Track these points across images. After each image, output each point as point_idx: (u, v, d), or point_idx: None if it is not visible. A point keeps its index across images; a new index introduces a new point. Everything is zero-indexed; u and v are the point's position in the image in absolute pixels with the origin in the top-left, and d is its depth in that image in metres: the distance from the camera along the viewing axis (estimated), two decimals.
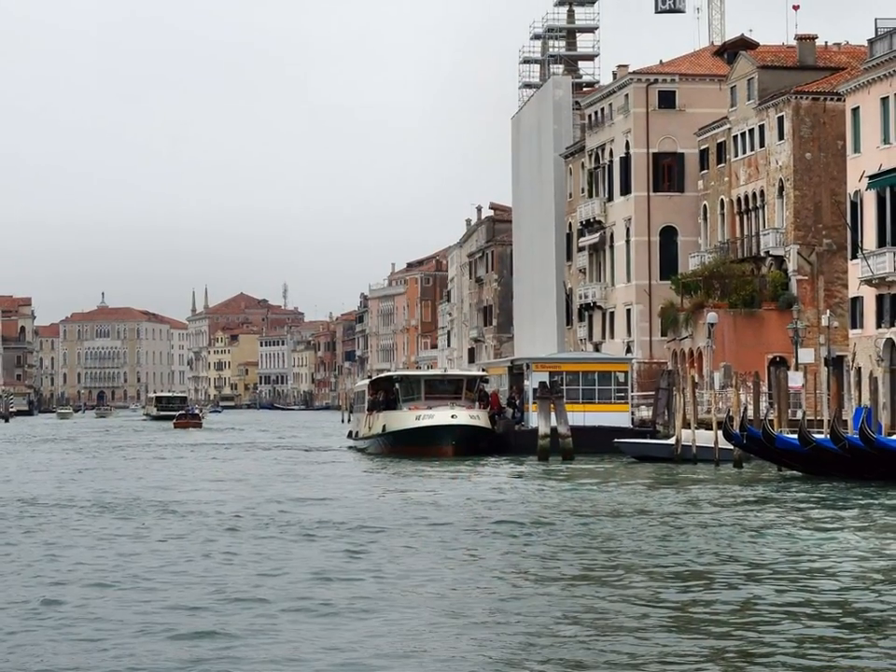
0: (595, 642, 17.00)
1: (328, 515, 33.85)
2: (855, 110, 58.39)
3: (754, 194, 68.69)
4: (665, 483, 44.83)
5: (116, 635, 18.00)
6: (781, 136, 65.51)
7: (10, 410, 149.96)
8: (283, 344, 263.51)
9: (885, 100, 55.76)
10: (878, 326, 56.10)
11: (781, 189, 65.63)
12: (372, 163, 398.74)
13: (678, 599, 20.33)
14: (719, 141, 73.16)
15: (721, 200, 72.62)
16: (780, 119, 65.69)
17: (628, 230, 79.89)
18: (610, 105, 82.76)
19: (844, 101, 59.96)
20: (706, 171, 75.11)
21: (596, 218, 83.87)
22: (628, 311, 79.82)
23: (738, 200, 70.50)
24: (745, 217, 70.03)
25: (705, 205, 75.18)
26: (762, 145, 67.54)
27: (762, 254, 67.12)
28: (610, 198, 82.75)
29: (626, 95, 79.86)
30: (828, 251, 63.68)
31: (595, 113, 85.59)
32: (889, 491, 38.53)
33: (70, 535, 30.29)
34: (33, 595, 21.44)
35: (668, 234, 78.64)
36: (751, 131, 68.70)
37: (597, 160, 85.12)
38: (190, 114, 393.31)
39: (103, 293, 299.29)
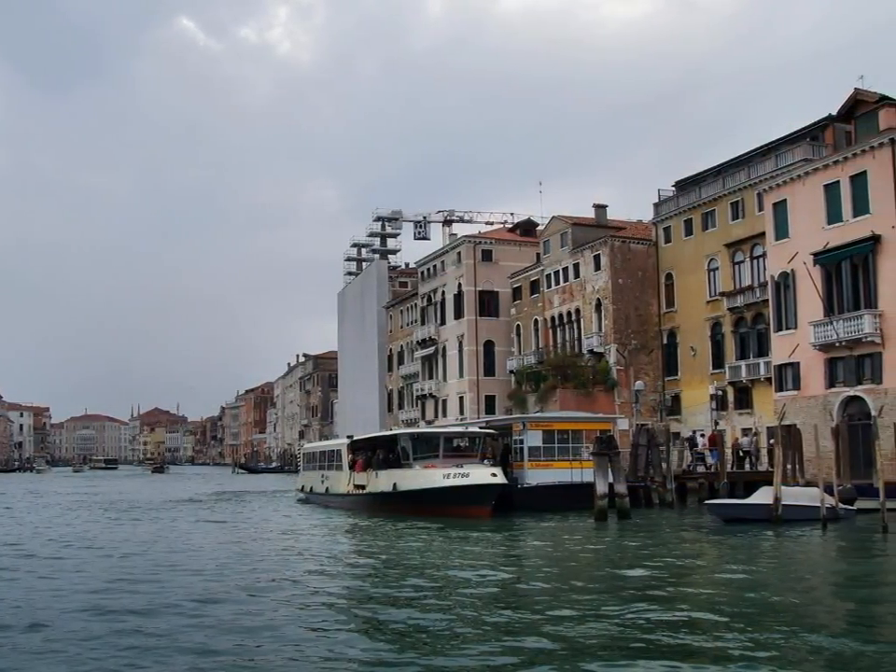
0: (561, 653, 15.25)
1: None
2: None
3: (569, 312, 71.39)
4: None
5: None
6: (598, 268, 68.15)
7: (35, 466, 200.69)
8: (177, 433, 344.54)
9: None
10: None
11: (598, 305, 68.01)
12: (233, 324, 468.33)
13: (624, 616, 18.57)
14: (532, 279, 76.56)
15: (535, 320, 75.93)
16: (597, 257, 68.48)
17: (461, 343, 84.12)
18: (443, 261, 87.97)
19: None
20: (518, 301, 78.73)
21: (431, 337, 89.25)
22: (461, 398, 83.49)
23: (552, 318, 73.41)
24: (559, 329, 72.86)
25: (518, 325, 78.61)
26: (576, 276, 70.60)
27: (584, 352, 68.96)
28: (443, 322, 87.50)
29: (459, 252, 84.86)
30: (635, 349, 66.14)
31: (429, 269, 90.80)
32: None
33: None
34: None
35: (489, 346, 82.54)
36: (565, 269, 71.91)
37: (430, 299, 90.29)
38: None
39: (86, 408, 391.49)
